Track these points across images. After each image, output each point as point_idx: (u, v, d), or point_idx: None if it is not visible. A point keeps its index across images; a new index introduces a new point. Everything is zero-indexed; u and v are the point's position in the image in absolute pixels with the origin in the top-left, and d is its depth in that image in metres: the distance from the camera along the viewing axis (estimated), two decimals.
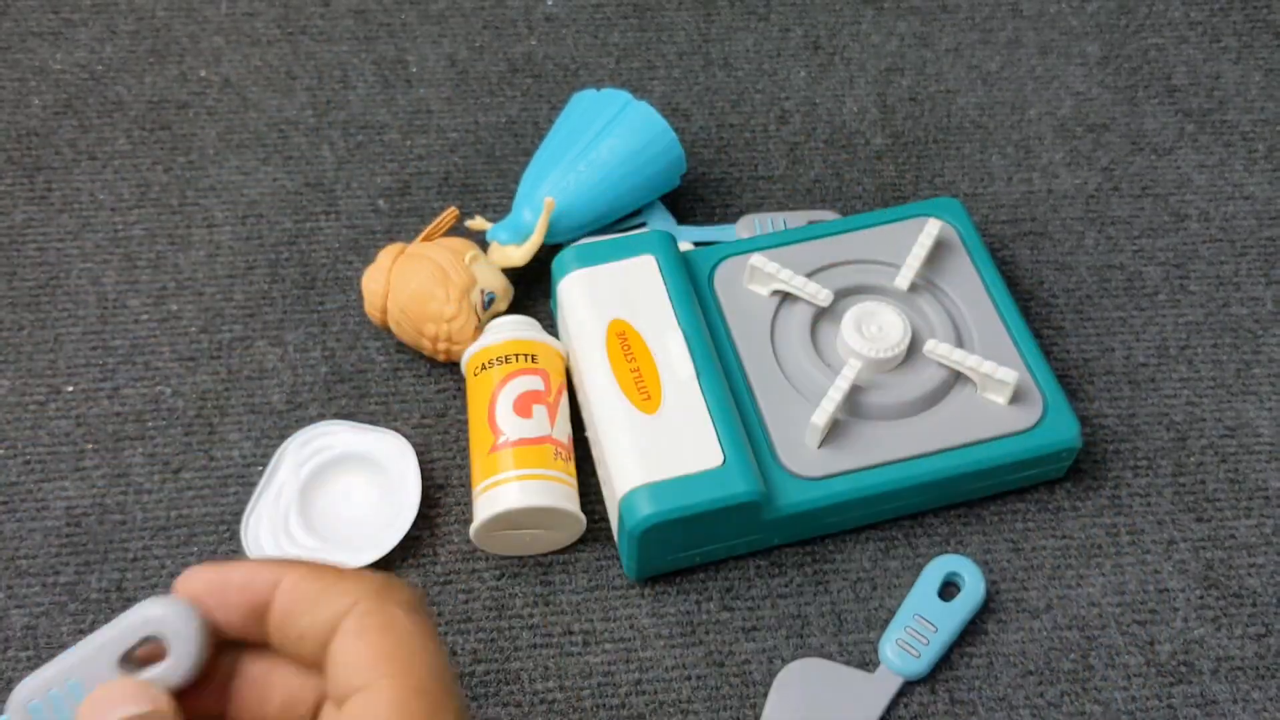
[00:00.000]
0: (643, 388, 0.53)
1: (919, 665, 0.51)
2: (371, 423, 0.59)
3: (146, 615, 0.30)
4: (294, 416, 0.59)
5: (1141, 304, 0.64)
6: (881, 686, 0.51)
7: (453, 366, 0.61)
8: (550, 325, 0.61)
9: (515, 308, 0.62)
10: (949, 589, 0.54)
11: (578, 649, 0.53)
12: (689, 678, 0.52)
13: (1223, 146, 0.70)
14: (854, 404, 0.54)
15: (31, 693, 0.30)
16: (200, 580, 0.30)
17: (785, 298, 0.58)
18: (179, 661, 0.29)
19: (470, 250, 0.60)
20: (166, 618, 0.29)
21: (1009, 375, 0.53)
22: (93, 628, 0.53)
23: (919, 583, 0.54)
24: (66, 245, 0.65)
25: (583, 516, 0.54)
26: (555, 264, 0.58)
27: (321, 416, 0.59)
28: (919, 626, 0.52)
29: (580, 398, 0.57)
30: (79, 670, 0.29)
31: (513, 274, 0.62)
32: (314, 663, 0.30)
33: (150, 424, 0.59)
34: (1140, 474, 0.58)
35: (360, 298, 0.63)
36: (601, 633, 0.53)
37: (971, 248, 0.60)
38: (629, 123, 0.62)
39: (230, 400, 0.60)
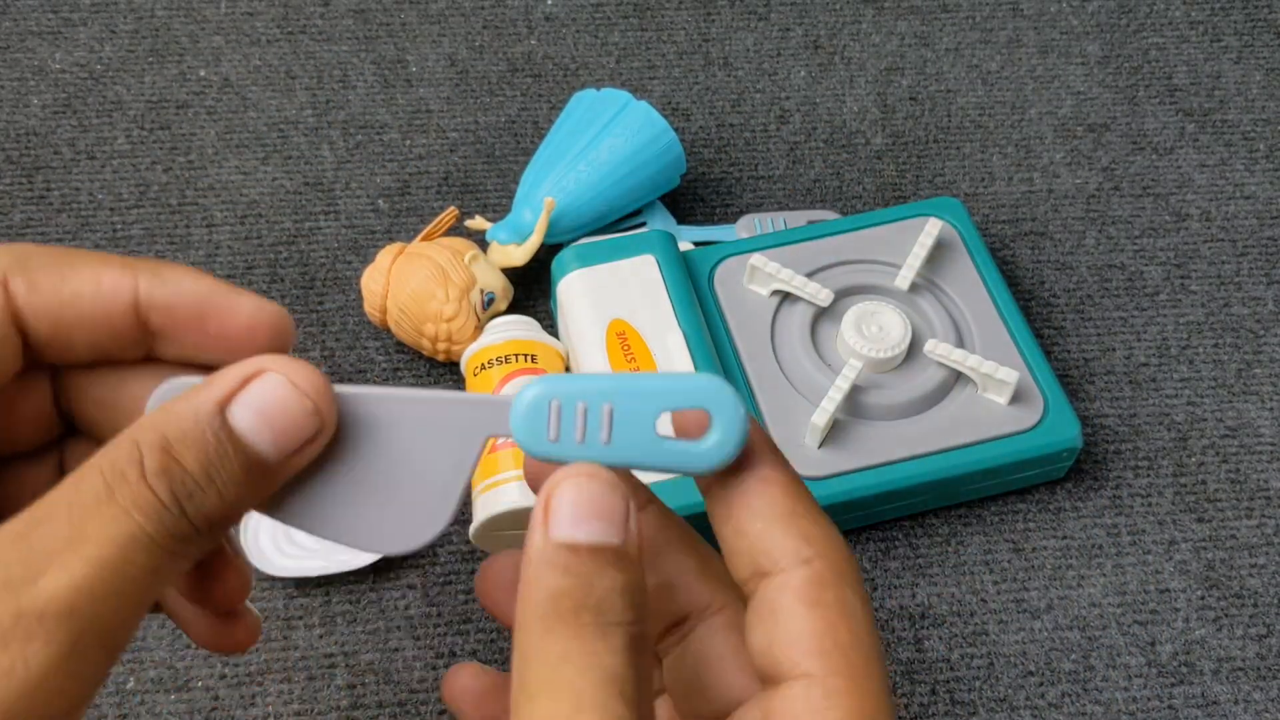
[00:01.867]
0: None
1: (553, 448, 0.27)
2: None
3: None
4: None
5: (1142, 304, 0.64)
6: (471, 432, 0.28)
7: (453, 366, 0.61)
8: (550, 325, 0.61)
9: (515, 308, 0.62)
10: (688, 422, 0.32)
11: None
12: None
13: (1223, 146, 0.70)
14: (854, 404, 0.54)
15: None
16: None
17: (785, 297, 0.58)
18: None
19: (470, 250, 0.60)
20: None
21: (1009, 375, 0.53)
22: None
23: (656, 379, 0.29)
24: (66, 245, 0.65)
25: None
26: (555, 264, 0.58)
27: None
28: (597, 409, 0.27)
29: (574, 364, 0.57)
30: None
31: (513, 274, 0.62)
32: (731, 567, 0.27)
33: None
34: (1141, 474, 0.58)
35: (360, 297, 0.63)
36: None
37: (972, 248, 0.60)
38: (629, 122, 0.62)
39: None
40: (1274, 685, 0.52)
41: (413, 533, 0.26)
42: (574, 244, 0.59)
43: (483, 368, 0.56)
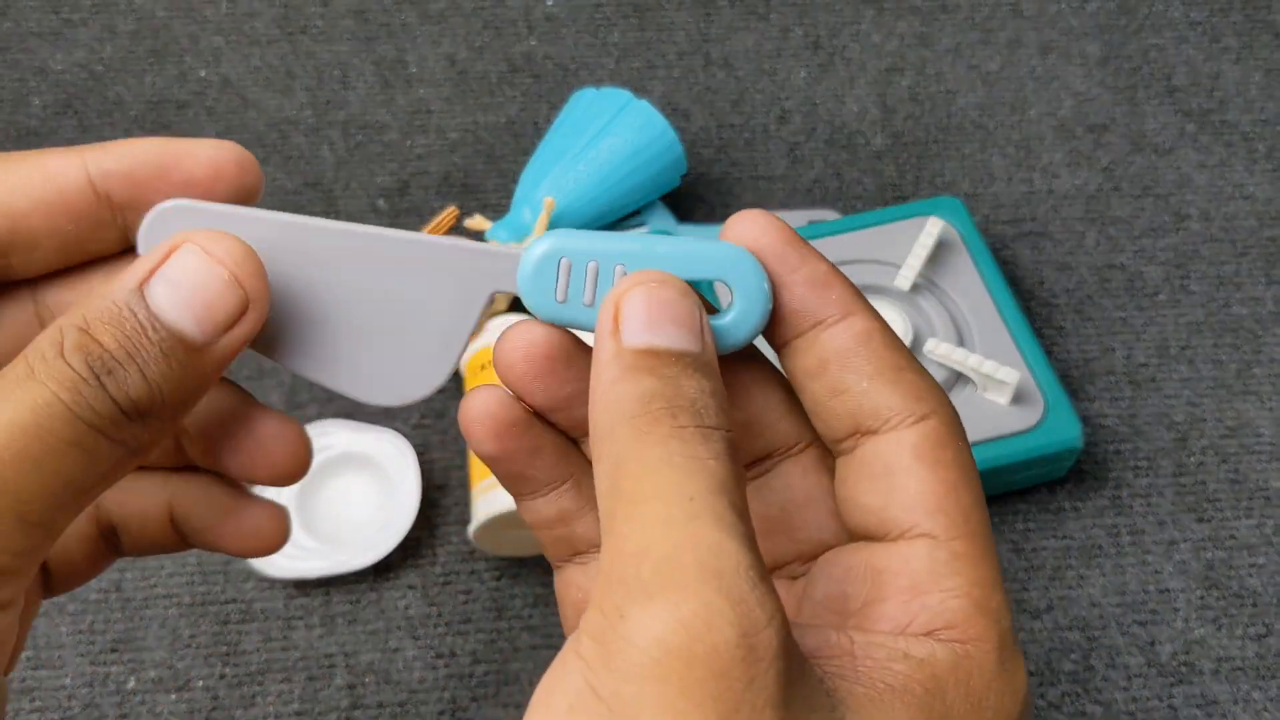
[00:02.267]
0: None
1: (559, 309, 0.26)
2: (371, 423, 0.59)
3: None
4: (293, 416, 0.59)
5: (1142, 304, 0.64)
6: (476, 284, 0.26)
7: None
8: None
9: (515, 308, 0.62)
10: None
11: None
12: None
13: (1223, 146, 0.70)
14: None
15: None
16: (768, 240, 0.25)
17: None
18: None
19: None
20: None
21: (1010, 375, 0.53)
22: (92, 628, 0.53)
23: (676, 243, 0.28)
24: None
25: None
26: None
27: (320, 416, 0.59)
28: (609, 270, 0.25)
29: None
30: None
31: None
32: (821, 425, 0.25)
33: None
34: (1141, 474, 0.58)
35: None
36: None
37: (972, 247, 0.60)
38: (629, 122, 0.62)
39: None
40: (1274, 685, 0.52)
41: (408, 385, 0.25)
42: None
43: (483, 368, 0.56)
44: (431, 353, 0.25)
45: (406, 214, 0.66)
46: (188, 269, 0.23)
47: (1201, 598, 0.55)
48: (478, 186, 0.68)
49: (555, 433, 0.27)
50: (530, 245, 0.25)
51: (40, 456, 0.21)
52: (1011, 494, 0.57)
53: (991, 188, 0.68)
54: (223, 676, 0.52)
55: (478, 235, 0.64)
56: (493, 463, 0.27)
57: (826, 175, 0.69)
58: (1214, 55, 0.75)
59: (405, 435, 0.58)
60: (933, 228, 0.59)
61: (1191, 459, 0.59)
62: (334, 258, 0.24)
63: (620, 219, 0.65)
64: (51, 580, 0.28)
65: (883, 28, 0.75)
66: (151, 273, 0.23)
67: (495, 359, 0.26)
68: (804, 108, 0.72)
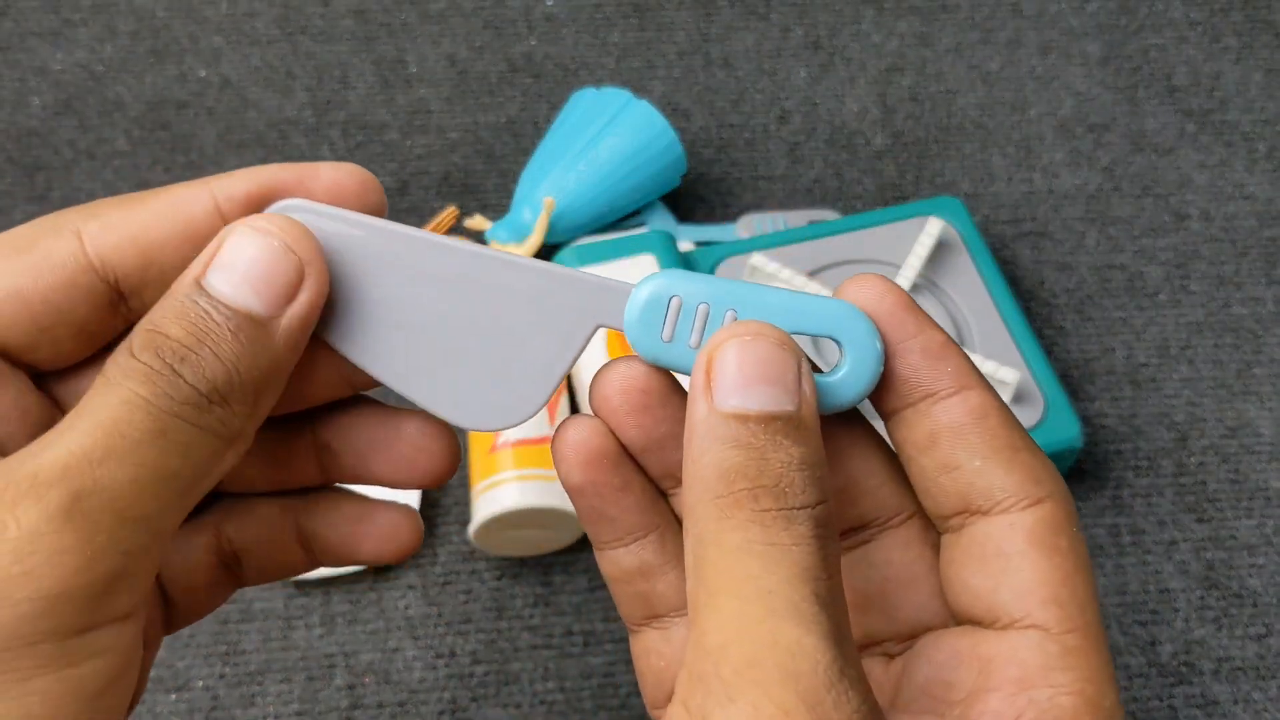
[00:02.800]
0: None
1: (665, 349, 0.25)
2: None
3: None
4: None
5: (1142, 304, 0.64)
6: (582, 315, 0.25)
7: None
8: None
9: None
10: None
11: (578, 650, 0.53)
12: None
13: (1223, 146, 0.70)
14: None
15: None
16: (887, 304, 0.25)
17: None
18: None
19: None
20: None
21: (1010, 375, 0.53)
22: None
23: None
24: None
25: None
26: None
27: None
28: (720, 315, 0.25)
29: (580, 398, 0.57)
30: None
31: None
32: (928, 501, 0.25)
33: None
34: (1141, 474, 0.58)
35: None
36: (602, 633, 0.53)
37: (972, 247, 0.60)
38: (629, 122, 0.62)
39: None
40: (1274, 685, 0.52)
41: (502, 411, 0.25)
42: (574, 244, 0.59)
43: None
44: (528, 380, 0.25)
45: (407, 214, 0.66)
46: (240, 248, 0.23)
47: (1202, 598, 0.55)
48: (478, 186, 0.68)
49: (645, 478, 0.27)
50: (641, 282, 0.24)
51: (125, 451, 0.21)
52: None
53: (991, 188, 0.68)
54: (222, 676, 0.52)
55: (478, 235, 0.64)
56: (578, 495, 0.26)
57: (826, 175, 0.69)
58: (1214, 55, 0.75)
59: None
60: (933, 228, 0.59)
61: (1192, 459, 0.59)
62: (442, 273, 0.24)
63: (620, 219, 0.65)
64: (172, 613, 0.28)
65: (883, 28, 0.75)
66: (207, 264, 0.23)
67: (592, 392, 0.26)
68: (804, 108, 0.72)
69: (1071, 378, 0.61)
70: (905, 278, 0.58)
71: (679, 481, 0.27)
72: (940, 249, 0.60)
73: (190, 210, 0.24)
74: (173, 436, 0.22)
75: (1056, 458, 0.55)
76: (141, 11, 0.75)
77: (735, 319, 0.24)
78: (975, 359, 0.54)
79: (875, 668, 0.26)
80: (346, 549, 0.28)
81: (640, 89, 0.72)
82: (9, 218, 0.66)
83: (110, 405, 0.21)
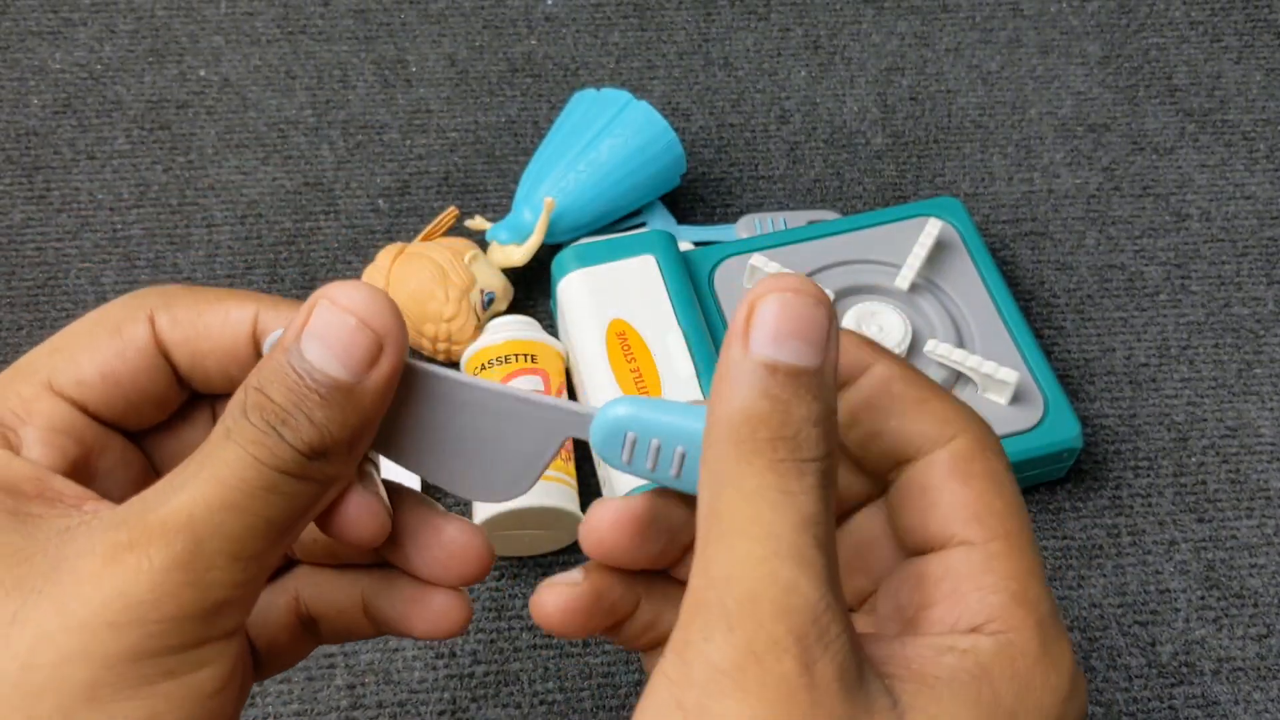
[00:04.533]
0: (643, 388, 0.53)
1: (626, 467, 0.28)
2: None
3: None
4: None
5: (1142, 304, 0.64)
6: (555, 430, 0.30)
7: (452, 367, 0.61)
8: (550, 325, 0.61)
9: (515, 308, 0.62)
10: None
11: (578, 650, 0.53)
12: None
13: (1224, 146, 0.70)
14: None
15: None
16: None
17: None
18: None
19: (470, 250, 0.60)
20: None
21: (1010, 375, 0.53)
22: None
23: None
24: (65, 245, 0.65)
25: (582, 516, 0.54)
26: (555, 264, 0.58)
27: None
28: (670, 450, 0.28)
29: (580, 398, 0.57)
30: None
31: (513, 274, 0.62)
32: (866, 467, 0.28)
33: None
34: (1141, 474, 0.58)
35: None
36: None
37: (972, 248, 0.60)
38: (629, 122, 0.62)
39: None
40: (1274, 685, 0.52)
41: (499, 492, 0.30)
42: (574, 244, 0.59)
43: (483, 368, 0.56)
44: (516, 471, 0.30)
45: (406, 214, 0.66)
46: (326, 320, 0.26)
47: (1202, 598, 0.55)
48: (478, 186, 0.68)
49: (621, 585, 0.30)
50: (602, 411, 0.28)
51: (243, 504, 0.25)
52: None
53: (991, 188, 0.68)
54: None
55: (478, 235, 0.64)
56: (581, 635, 0.30)
57: (826, 175, 0.69)
58: (1214, 55, 0.75)
59: None
60: (932, 228, 0.59)
61: (1192, 459, 0.59)
62: (452, 397, 0.29)
63: (620, 219, 0.65)
64: (260, 664, 0.32)
65: (883, 28, 0.75)
66: (300, 330, 0.26)
67: (584, 541, 0.29)
68: (804, 108, 0.72)
69: (1071, 378, 0.61)
70: (905, 278, 0.58)
71: (672, 562, 0.30)
72: (940, 249, 0.60)
73: (236, 331, 0.29)
74: (280, 490, 0.25)
75: (1056, 458, 0.55)
76: (141, 11, 0.75)
77: (685, 455, 0.27)
78: (975, 359, 0.54)
79: (864, 620, 0.30)
80: (403, 624, 0.31)
81: (640, 89, 0.72)
82: (9, 218, 0.66)
83: (227, 462, 0.25)
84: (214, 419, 0.31)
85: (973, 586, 0.25)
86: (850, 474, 0.29)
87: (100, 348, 0.28)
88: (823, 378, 0.24)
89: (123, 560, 0.24)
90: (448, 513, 0.31)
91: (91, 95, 0.71)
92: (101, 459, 0.29)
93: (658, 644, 0.31)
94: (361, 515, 0.28)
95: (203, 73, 0.72)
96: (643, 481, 0.51)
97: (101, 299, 0.63)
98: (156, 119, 0.70)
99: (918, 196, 0.68)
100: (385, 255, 0.59)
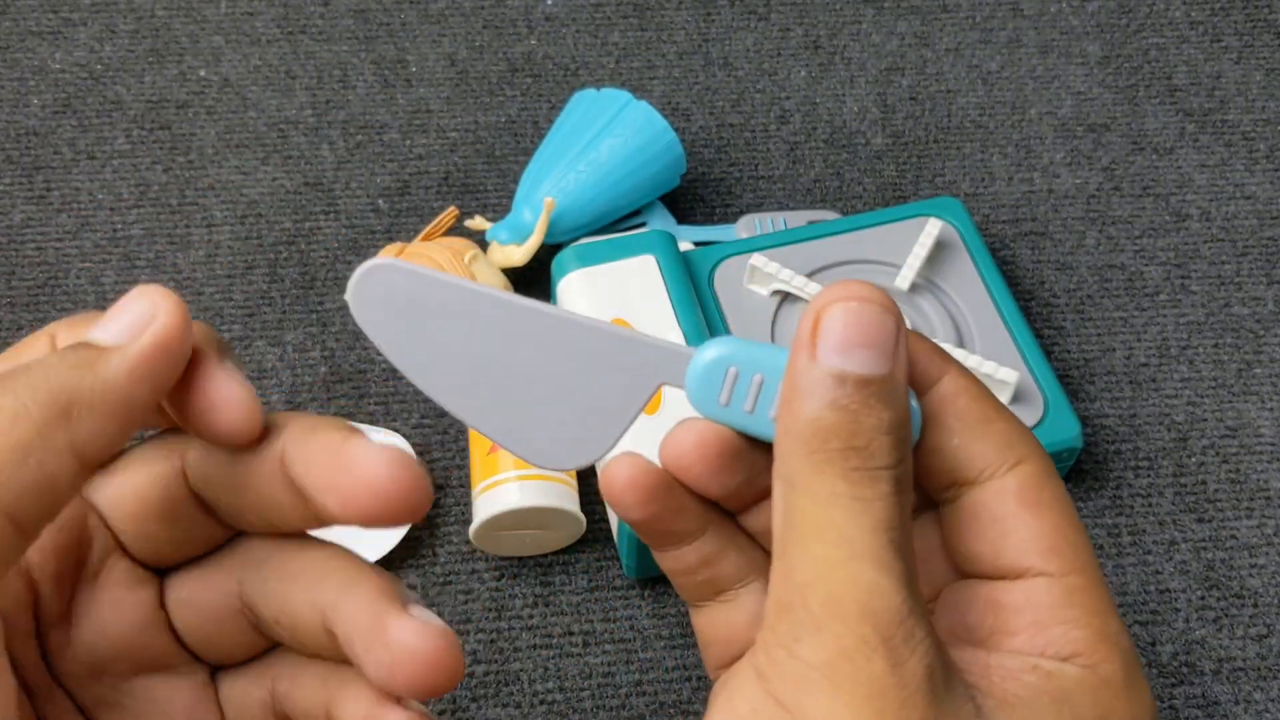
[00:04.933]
0: None
1: (721, 411, 0.27)
2: (371, 423, 0.59)
3: None
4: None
5: (1142, 304, 0.64)
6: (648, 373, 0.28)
7: None
8: None
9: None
10: None
11: (578, 650, 0.53)
12: (690, 679, 0.52)
13: (1224, 146, 0.70)
14: None
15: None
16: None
17: (785, 298, 0.58)
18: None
19: (470, 250, 0.60)
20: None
21: (1010, 375, 0.53)
22: None
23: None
24: (65, 245, 0.65)
25: (583, 517, 0.54)
26: (555, 264, 0.58)
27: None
28: (773, 386, 0.27)
29: None
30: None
31: (513, 274, 0.62)
32: (920, 481, 0.27)
33: None
34: (1141, 474, 0.58)
35: None
36: (602, 633, 0.53)
37: (972, 248, 0.60)
38: (629, 122, 0.62)
39: None
40: (1274, 685, 0.52)
41: (571, 454, 0.27)
42: (574, 244, 0.59)
43: None
44: (596, 428, 0.27)
45: (407, 214, 0.66)
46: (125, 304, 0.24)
47: (1202, 598, 0.55)
48: (478, 186, 0.68)
49: (693, 495, 0.29)
50: (703, 347, 0.26)
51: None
52: None
53: (991, 188, 0.68)
54: None
55: (478, 235, 0.64)
56: (639, 525, 0.28)
57: (826, 175, 0.69)
58: (1214, 55, 0.75)
59: (406, 435, 0.58)
60: (932, 228, 0.59)
61: (1192, 459, 0.59)
62: (521, 331, 0.26)
63: (620, 219, 0.65)
64: None
65: (883, 28, 0.75)
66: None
67: (664, 453, 0.28)
68: (804, 108, 0.72)
69: (1071, 378, 0.61)
70: (905, 278, 0.58)
71: (745, 506, 0.29)
72: (940, 249, 0.60)
73: (266, 466, 0.26)
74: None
75: (1056, 458, 0.55)
76: (141, 11, 0.75)
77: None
78: (975, 359, 0.54)
79: None
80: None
81: (640, 89, 0.72)
82: (9, 218, 0.66)
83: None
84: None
85: (1056, 620, 0.25)
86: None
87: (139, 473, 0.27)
88: (893, 385, 0.24)
89: None
90: (402, 599, 0.26)
91: (91, 95, 0.71)
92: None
93: (710, 593, 0.30)
94: (222, 397, 0.25)
95: (203, 73, 0.72)
96: None
97: (102, 299, 0.63)
98: (156, 119, 0.70)
99: (918, 196, 0.68)
100: (385, 255, 0.59)
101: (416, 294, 0.26)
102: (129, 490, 0.26)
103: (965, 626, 0.27)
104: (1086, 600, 0.25)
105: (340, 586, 0.26)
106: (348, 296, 0.27)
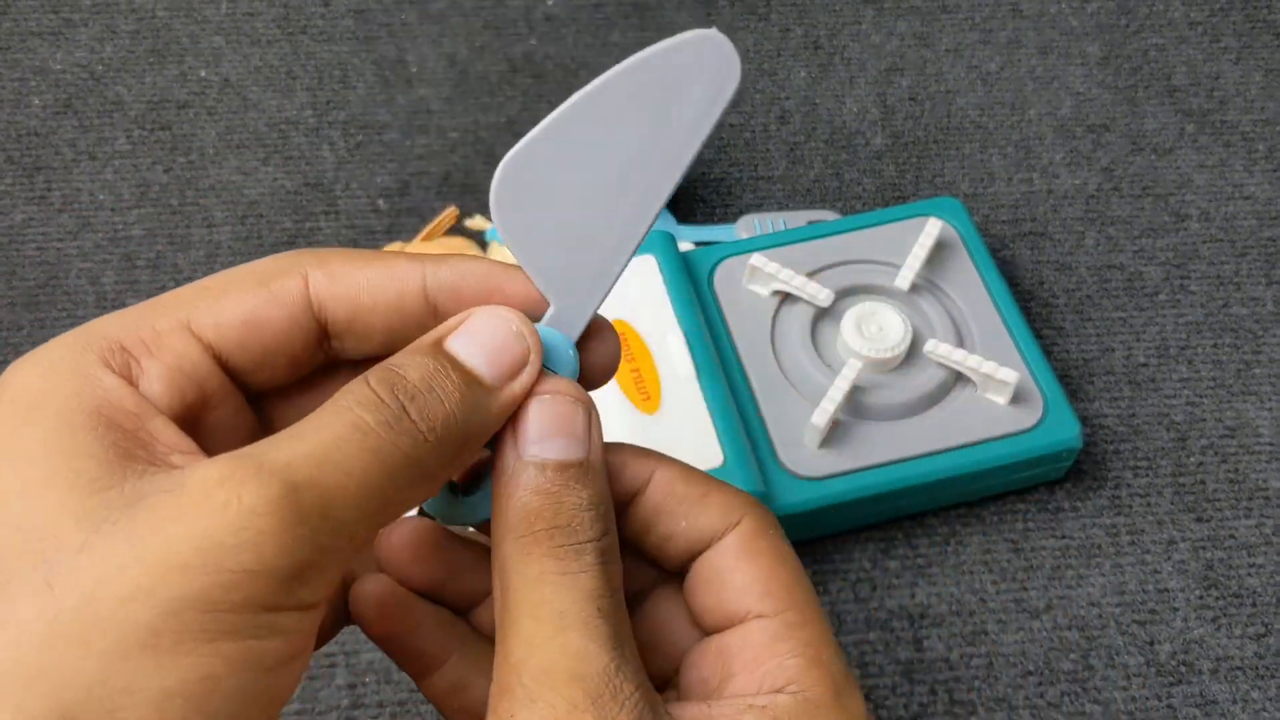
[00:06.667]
0: (642, 388, 0.53)
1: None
2: None
3: None
4: None
5: (1142, 304, 0.64)
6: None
7: None
8: None
9: None
10: None
11: None
12: None
13: (1223, 146, 0.70)
14: (854, 404, 0.54)
15: None
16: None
17: (785, 298, 0.58)
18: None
19: (470, 250, 0.60)
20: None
21: (1009, 375, 0.53)
22: None
23: None
24: (66, 245, 0.65)
25: None
26: None
27: None
28: None
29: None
30: None
31: None
32: (665, 564, 0.30)
33: None
34: (1140, 474, 0.58)
35: None
36: None
37: (972, 248, 0.60)
38: None
39: None
40: (1272, 685, 0.52)
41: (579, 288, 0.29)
42: None
43: None
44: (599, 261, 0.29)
45: (407, 214, 0.66)
46: (482, 324, 0.27)
47: (1201, 597, 0.55)
48: (478, 186, 0.68)
49: (435, 609, 0.31)
50: None
51: (341, 462, 0.24)
52: (1011, 494, 0.57)
53: (991, 188, 0.68)
54: None
55: (478, 235, 0.64)
56: (385, 643, 0.31)
57: (826, 175, 0.69)
58: (1214, 55, 0.75)
59: None
60: (932, 228, 0.59)
61: (1191, 459, 0.59)
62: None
63: None
64: None
65: (883, 28, 0.75)
66: (452, 330, 0.27)
67: (379, 553, 0.31)
68: (804, 108, 0.72)
69: (1071, 378, 0.61)
70: (905, 278, 0.58)
71: (471, 602, 0.32)
72: (940, 249, 0.60)
73: (403, 285, 0.28)
74: (386, 461, 0.24)
75: (1056, 458, 0.55)
76: (141, 11, 0.75)
77: None
78: (975, 359, 0.54)
79: (670, 697, 0.31)
80: None
81: None
82: (9, 218, 0.66)
83: (338, 424, 0.24)
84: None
85: (770, 654, 0.27)
86: (641, 564, 0.31)
87: (248, 295, 0.27)
88: (589, 467, 0.27)
89: (211, 496, 0.22)
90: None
91: (92, 95, 0.71)
92: (214, 412, 0.27)
93: (465, 712, 0.31)
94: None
95: (203, 73, 0.72)
96: None
97: (102, 299, 0.63)
98: (157, 119, 0.70)
99: (918, 196, 0.68)
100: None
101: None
102: (241, 311, 0.27)
103: (701, 680, 0.29)
104: (799, 634, 0.28)
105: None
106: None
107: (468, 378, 0.26)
